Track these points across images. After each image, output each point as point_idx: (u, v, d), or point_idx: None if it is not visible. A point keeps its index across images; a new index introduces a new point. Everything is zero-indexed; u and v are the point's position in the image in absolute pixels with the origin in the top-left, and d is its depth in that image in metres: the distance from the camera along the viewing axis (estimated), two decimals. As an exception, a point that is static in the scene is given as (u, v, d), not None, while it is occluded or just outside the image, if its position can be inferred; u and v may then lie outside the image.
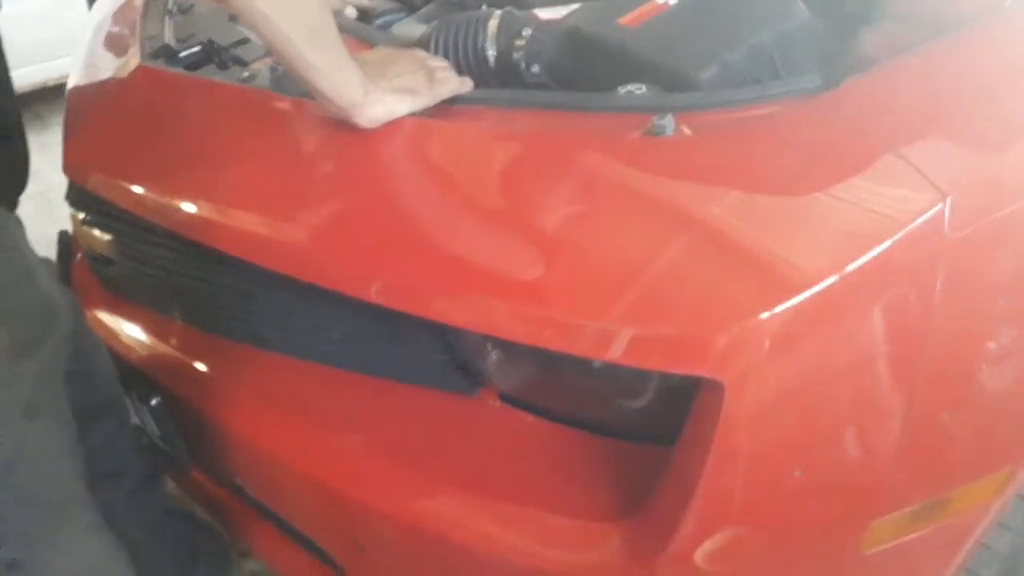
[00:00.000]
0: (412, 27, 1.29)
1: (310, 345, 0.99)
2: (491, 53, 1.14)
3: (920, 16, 1.07)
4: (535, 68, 1.11)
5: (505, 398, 0.90)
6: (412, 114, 0.91)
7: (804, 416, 0.71)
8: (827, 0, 1.06)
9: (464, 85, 0.98)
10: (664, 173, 0.78)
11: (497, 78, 1.14)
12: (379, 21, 1.33)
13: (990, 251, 0.75)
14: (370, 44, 1.13)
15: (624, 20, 1.05)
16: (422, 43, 1.19)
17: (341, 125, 0.90)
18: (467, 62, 1.14)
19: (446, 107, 0.96)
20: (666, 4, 1.05)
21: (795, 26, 1.02)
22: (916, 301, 0.71)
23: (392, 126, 0.90)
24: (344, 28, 1.16)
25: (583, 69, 1.09)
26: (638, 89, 0.95)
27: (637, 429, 0.84)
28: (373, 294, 0.79)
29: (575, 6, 1.19)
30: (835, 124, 0.81)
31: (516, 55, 1.11)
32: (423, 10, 1.32)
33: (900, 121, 0.80)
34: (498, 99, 0.97)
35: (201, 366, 1.06)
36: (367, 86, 0.87)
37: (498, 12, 1.13)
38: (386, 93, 0.89)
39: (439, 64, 0.99)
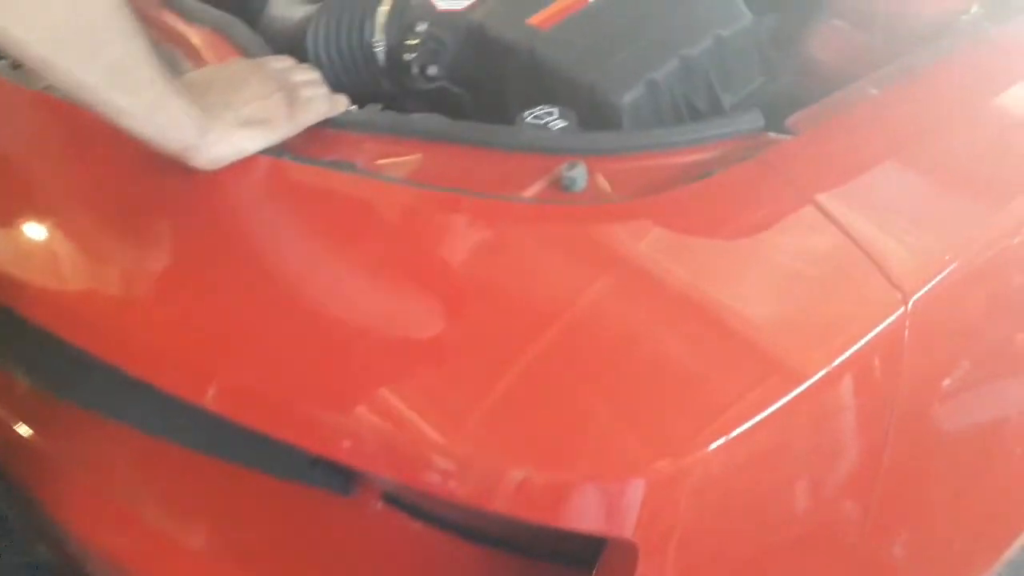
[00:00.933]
0: (291, 8, 1.09)
1: (155, 421, 0.82)
2: (380, 49, 0.96)
3: (870, 16, 0.93)
4: (432, 70, 0.94)
5: (389, 499, 0.75)
6: (267, 150, 0.74)
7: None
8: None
9: (336, 106, 0.80)
10: (564, 253, 0.62)
11: (389, 79, 0.96)
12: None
13: (950, 368, 0.62)
14: (231, 39, 0.93)
15: (535, 20, 0.87)
16: (300, 31, 1.00)
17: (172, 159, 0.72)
18: (352, 58, 0.96)
19: (316, 132, 0.78)
20: (584, 0, 0.88)
21: (736, 31, 0.86)
22: (870, 427, 0.58)
23: (238, 168, 0.71)
24: (202, 19, 0.97)
25: (488, 74, 0.92)
26: (548, 116, 0.79)
27: (545, 546, 0.70)
28: (207, 400, 0.63)
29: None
30: (776, 188, 0.66)
31: (408, 56, 0.93)
32: (308, -16, 1.12)
33: (853, 189, 0.66)
34: (378, 125, 0.80)
35: (28, 432, 0.89)
36: (204, 123, 0.68)
37: (390, -4, 0.95)
38: (231, 128, 0.71)
39: (304, 79, 0.80)
